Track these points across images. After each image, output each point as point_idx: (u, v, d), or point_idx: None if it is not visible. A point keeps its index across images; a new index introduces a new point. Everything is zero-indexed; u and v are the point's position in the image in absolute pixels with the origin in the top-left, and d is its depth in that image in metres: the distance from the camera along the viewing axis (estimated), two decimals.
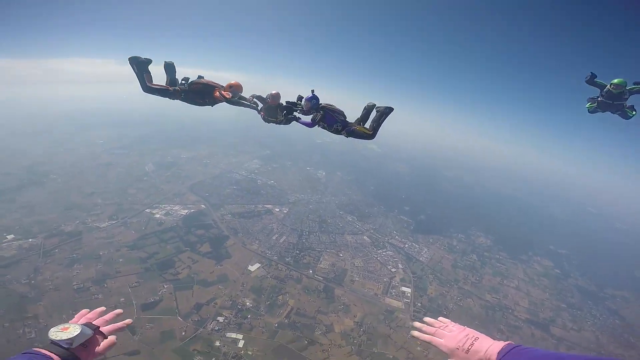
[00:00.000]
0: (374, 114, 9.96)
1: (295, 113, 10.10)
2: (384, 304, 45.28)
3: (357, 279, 49.23)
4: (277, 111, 9.90)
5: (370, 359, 35.99)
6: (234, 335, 35.05)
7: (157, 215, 56.15)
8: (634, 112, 9.70)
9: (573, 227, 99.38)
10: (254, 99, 9.92)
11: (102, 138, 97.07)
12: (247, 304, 39.87)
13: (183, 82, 9.65)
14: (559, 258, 72.28)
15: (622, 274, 71.11)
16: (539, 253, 72.31)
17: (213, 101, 9.61)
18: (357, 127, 9.72)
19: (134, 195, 62.26)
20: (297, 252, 52.92)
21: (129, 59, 9.46)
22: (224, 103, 9.57)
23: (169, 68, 9.75)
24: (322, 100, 9.81)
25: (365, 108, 9.93)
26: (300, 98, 9.95)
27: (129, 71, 9.63)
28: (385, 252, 58.74)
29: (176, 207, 60.17)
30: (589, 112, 10.24)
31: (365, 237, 62.85)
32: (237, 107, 9.97)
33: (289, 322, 38.44)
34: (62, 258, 41.70)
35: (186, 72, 10.14)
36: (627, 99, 9.46)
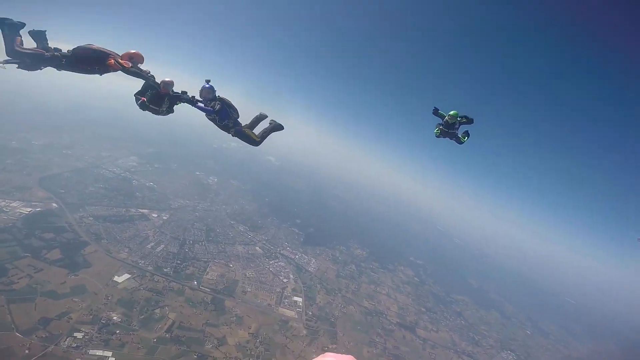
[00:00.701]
0: (264, 124, 10.42)
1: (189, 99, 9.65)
2: (278, 314, 44.85)
3: (249, 289, 47.38)
4: (163, 100, 9.18)
5: None
6: (100, 352, 30.00)
7: None
8: (466, 138, 13.19)
9: (426, 242, 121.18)
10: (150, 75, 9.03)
11: None
12: (114, 318, 34.06)
13: (67, 51, 8.14)
14: (417, 268, 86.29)
15: (461, 282, 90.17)
16: (402, 263, 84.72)
17: (104, 69, 8.44)
18: (247, 130, 9.90)
19: None
20: (179, 262, 47.80)
21: None
22: (117, 73, 8.54)
23: (38, 35, 8.03)
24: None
25: (256, 117, 10.28)
26: (193, 97, 9.60)
27: None
28: (277, 262, 58.55)
29: (15, 204, 46.90)
30: (436, 136, 12.76)
31: (257, 247, 61.31)
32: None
33: (172, 337, 34.43)
34: None
35: None
36: (458, 128, 12.48)
